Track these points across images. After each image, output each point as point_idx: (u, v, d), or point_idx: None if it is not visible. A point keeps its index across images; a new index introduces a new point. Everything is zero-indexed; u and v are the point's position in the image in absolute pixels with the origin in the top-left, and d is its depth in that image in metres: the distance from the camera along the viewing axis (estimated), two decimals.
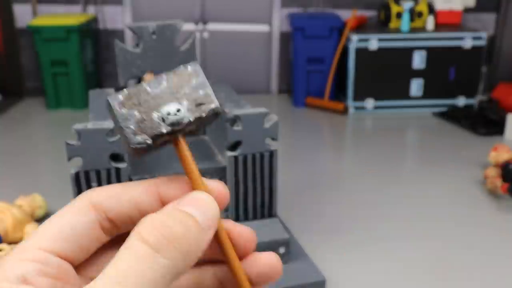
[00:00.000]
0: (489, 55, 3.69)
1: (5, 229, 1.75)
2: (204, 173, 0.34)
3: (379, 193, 2.21)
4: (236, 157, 1.61)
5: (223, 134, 1.64)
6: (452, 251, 1.79)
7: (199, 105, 0.31)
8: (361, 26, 3.40)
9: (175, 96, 0.31)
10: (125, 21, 3.55)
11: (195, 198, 0.29)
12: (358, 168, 2.49)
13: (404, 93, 3.33)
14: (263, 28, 3.64)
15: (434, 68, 3.28)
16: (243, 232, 0.32)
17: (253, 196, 1.67)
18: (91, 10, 3.52)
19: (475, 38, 3.24)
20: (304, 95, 3.45)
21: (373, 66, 3.25)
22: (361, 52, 3.22)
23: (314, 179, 2.35)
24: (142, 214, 0.30)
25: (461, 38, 3.24)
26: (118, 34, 3.57)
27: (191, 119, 0.31)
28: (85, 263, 0.31)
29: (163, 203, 0.30)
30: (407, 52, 3.24)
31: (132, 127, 0.30)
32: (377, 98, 3.32)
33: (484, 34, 3.25)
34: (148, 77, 0.35)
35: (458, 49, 3.26)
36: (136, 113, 0.30)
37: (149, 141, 0.30)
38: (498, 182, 2.11)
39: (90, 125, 1.44)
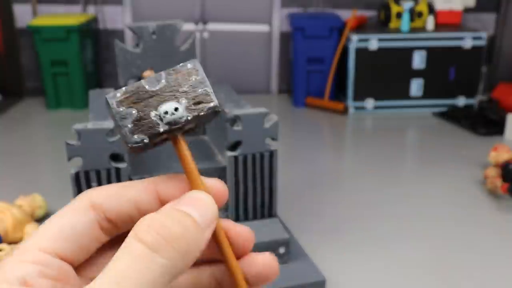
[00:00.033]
0: (489, 55, 3.69)
1: (5, 229, 1.75)
2: (204, 173, 0.34)
3: (379, 193, 2.21)
4: (236, 157, 1.61)
5: (223, 134, 1.64)
6: (452, 251, 1.79)
7: (197, 103, 0.31)
8: (361, 26, 3.40)
9: (174, 95, 0.30)
10: (125, 21, 3.55)
11: (194, 198, 0.29)
12: (358, 168, 2.49)
13: (404, 93, 3.33)
14: (263, 28, 3.64)
15: (434, 68, 3.28)
16: (241, 231, 0.32)
17: (253, 196, 1.67)
18: (91, 10, 3.52)
19: (475, 38, 3.24)
20: (304, 95, 3.45)
21: (373, 66, 3.25)
22: (361, 52, 3.22)
23: (314, 179, 2.35)
24: (142, 213, 0.30)
25: (461, 38, 3.24)
26: (118, 34, 3.57)
27: (189, 118, 0.30)
28: (85, 263, 0.31)
29: (162, 202, 0.30)
30: (407, 52, 3.24)
31: (129, 126, 0.30)
32: (377, 98, 3.32)
33: (484, 34, 3.25)
34: (147, 73, 0.34)
35: (458, 49, 3.26)
36: (133, 111, 0.30)
37: (146, 140, 0.30)
38: (498, 182, 2.11)
39: (90, 125, 1.44)
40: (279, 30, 3.63)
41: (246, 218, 1.69)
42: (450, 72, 3.30)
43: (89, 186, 1.48)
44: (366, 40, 3.20)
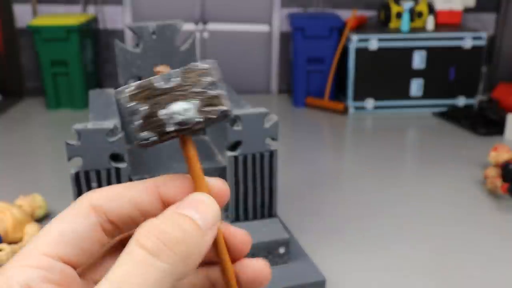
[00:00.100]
0: (489, 55, 3.69)
1: (5, 229, 1.75)
2: (205, 173, 0.34)
3: (379, 193, 2.21)
4: (236, 157, 1.61)
5: (223, 134, 1.64)
6: (452, 251, 1.79)
7: (209, 105, 0.30)
8: (361, 26, 3.40)
9: (185, 94, 0.30)
10: (125, 21, 3.55)
11: (196, 200, 0.29)
12: (358, 168, 2.49)
13: (404, 93, 3.33)
14: (263, 28, 3.64)
15: (434, 68, 3.28)
16: (238, 234, 0.32)
17: (253, 196, 1.67)
18: (91, 10, 3.52)
19: (475, 38, 3.24)
20: (304, 95, 3.45)
21: (373, 66, 3.25)
22: (361, 52, 3.22)
23: (314, 179, 2.35)
24: (143, 214, 0.30)
25: (461, 38, 3.24)
26: (118, 34, 3.57)
27: (200, 120, 0.30)
28: (89, 266, 0.31)
29: (163, 203, 0.30)
30: (407, 52, 3.25)
31: (137, 122, 0.29)
32: (377, 98, 3.32)
33: (484, 34, 3.25)
34: (161, 68, 0.33)
35: (458, 49, 3.26)
36: (143, 108, 0.29)
37: (154, 138, 0.30)
38: (498, 182, 2.11)
39: (90, 125, 1.44)
40: (279, 30, 3.63)
41: (246, 218, 1.69)
42: (450, 72, 3.30)
43: (89, 186, 1.48)
44: (366, 40, 3.20)
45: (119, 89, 0.30)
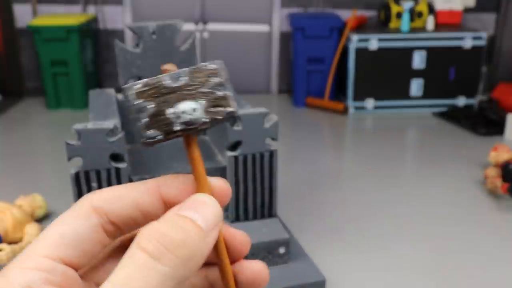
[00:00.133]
0: (489, 55, 3.69)
1: (5, 229, 1.75)
2: (206, 173, 0.34)
3: (379, 193, 2.21)
4: (236, 157, 1.61)
5: (223, 134, 1.64)
6: (452, 251, 1.79)
7: (216, 106, 0.30)
8: (361, 26, 3.40)
9: (193, 94, 0.30)
10: (125, 21, 3.55)
11: (197, 201, 0.29)
12: (358, 168, 2.49)
13: (404, 93, 3.33)
14: (263, 28, 3.64)
15: (434, 68, 3.28)
16: (237, 235, 0.32)
17: (253, 196, 1.67)
18: (91, 10, 3.52)
19: (475, 38, 3.24)
20: (304, 95, 3.45)
21: (373, 66, 3.25)
22: (361, 52, 3.22)
23: (314, 179, 2.35)
24: (145, 215, 0.30)
25: (461, 38, 3.24)
26: (118, 34, 3.57)
27: (206, 121, 0.30)
28: (90, 268, 0.31)
29: (165, 203, 0.30)
30: (407, 52, 3.25)
31: (144, 120, 0.29)
32: (377, 98, 3.32)
33: (484, 34, 3.25)
34: (168, 67, 0.33)
35: (458, 49, 3.26)
36: (151, 105, 0.29)
37: (160, 137, 0.30)
38: (498, 182, 2.11)
39: (90, 125, 1.44)
40: (279, 30, 3.63)
41: (246, 218, 1.69)
42: (450, 72, 3.30)
43: (89, 186, 1.48)
44: (366, 40, 3.20)
45: (128, 85, 0.30)
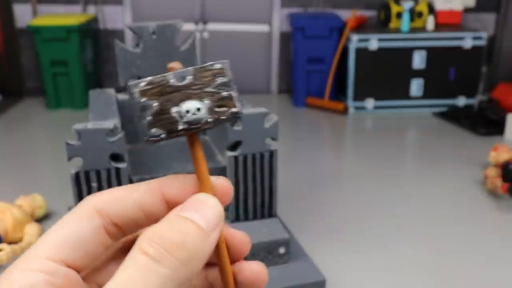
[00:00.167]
0: (489, 55, 3.69)
1: (5, 229, 1.75)
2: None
3: (379, 193, 2.21)
4: (236, 157, 1.61)
5: (223, 134, 1.64)
6: (452, 251, 1.79)
7: (220, 106, 0.30)
8: (361, 26, 3.40)
9: (198, 93, 0.30)
10: (125, 21, 3.55)
11: (198, 201, 0.29)
12: (358, 168, 2.49)
13: (404, 93, 3.33)
14: (263, 28, 3.64)
15: (434, 68, 3.28)
16: (237, 235, 0.32)
17: (253, 196, 1.67)
18: (91, 10, 3.52)
19: (475, 38, 3.24)
20: (304, 95, 3.45)
21: (373, 66, 3.25)
22: (361, 52, 3.22)
23: (314, 179, 2.35)
24: (147, 215, 0.30)
25: (461, 38, 3.24)
26: (118, 34, 3.57)
27: (210, 120, 0.30)
28: (93, 270, 0.31)
29: (167, 203, 0.30)
30: (407, 52, 3.25)
31: (148, 118, 0.29)
32: (377, 98, 3.32)
33: (484, 34, 3.25)
34: (174, 65, 0.33)
35: (458, 49, 3.26)
36: (155, 104, 0.29)
37: (163, 136, 0.30)
38: (498, 182, 2.11)
39: (90, 125, 1.44)
40: (279, 30, 3.63)
41: (246, 218, 1.69)
42: (450, 72, 3.30)
43: (89, 186, 1.48)
44: (366, 40, 3.20)
45: (133, 82, 0.29)
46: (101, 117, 1.53)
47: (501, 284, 1.62)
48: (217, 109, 0.30)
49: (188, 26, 3.54)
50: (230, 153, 1.61)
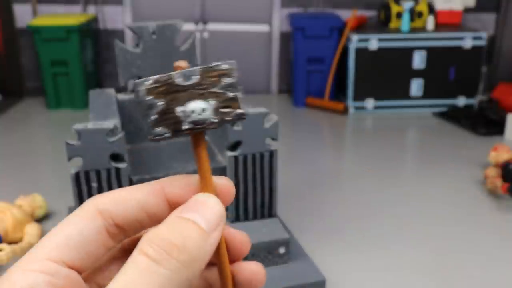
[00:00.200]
0: (489, 55, 3.69)
1: (5, 229, 1.75)
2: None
3: (379, 193, 2.21)
4: (236, 157, 1.61)
5: (223, 134, 1.64)
6: (452, 251, 1.79)
7: (226, 107, 0.30)
8: (361, 26, 3.40)
9: (204, 94, 0.30)
10: (125, 21, 3.55)
11: (199, 202, 0.29)
12: (358, 168, 2.49)
13: (404, 93, 3.33)
14: (263, 28, 3.64)
15: (434, 68, 3.28)
16: (237, 235, 0.32)
17: (253, 196, 1.67)
18: (91, 10, 3.52)
19: (475, 38, 3.24)
20: (304, 95, 3.45)
21: (373, 66, 3.25)
22: (361, 52, 3.22)
23: (314, 179, 2.35)
24: (150, 216, 0.30)
25: (461, 38, 3.24)
26: (118, 34, 3.57)
27: (215, 121, 0.30)
28: (94, 271, 0.31)
29: (169, 203, 0.30)
30: (407, 52, 3.25)
31: (153, 117, 0.29)
32: (377, 98, 3.32)
33: (484, 34, 3.25)
34: (181, 63, 0.33)
35: (458, 49, 3.26)
36: (160, 103, 0.29)
37: (168, 135, 0.30)
38: (498, 182, 2.11)
39: (90, 125, 1.44)
40: (279, 30, 3.63)
41: (246, 218, 1.69)
42: (450, 72, 3.30)
43: (89, 186, 1.48)
44: (366, 40, 3.20)
45: (139, 80, 0.29)
46: (101, 117, 1.53)
47: (501, 284, 1.62)
48: (222, 110, 0.30)
49: (188, 26, 3.54)
50: (230, 153, 1.61)
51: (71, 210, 1.95)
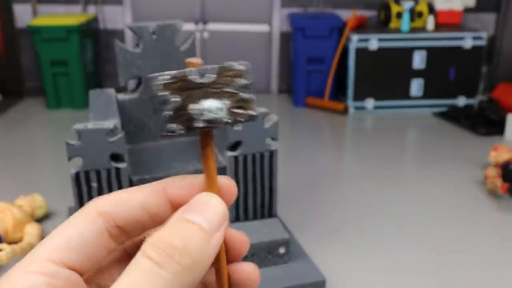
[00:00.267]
0: (489, 55, 3.69)
1: (5, 229, 1.75)
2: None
3: (379, 193, 2.21)
4: (236, 157, 1.61)
5: (223, 134, 1.64)
6: (452, 251, 1.79)
7: (239, 108, 0.30)
8: (361, 26, 3.40)
9: (218, 93, 0.30)
10: (125, 21, 3.55)
11: (201, 202, 0.29)
12: (358, 168, 2.49)
13: (404, 93, 3.33)
14: (263, 28, 3.64)
15: (434, 68, 3.28)
16: (237, 235, 0.32)
17: (253, 196, 1.67)
18: (91, 10, 3.52)
19: (475, 38, 3.24)
20: (304, 95, 3.45)
21: (373, 66, 3.25)
22: (361, 52, 3.22)
23: (314, 179, 2.35)
24: (152, 217, 0.30)
25: (461, 38, 3.24)
26: (118, 34, 3.57)
27: (229, 121, 0.30)
28: (95, 273, 0.31)
29: (172, 204, 0.30)
30: (407, 52, 3.24)
31: (168, 113, 0.29)
32: (377, 98, 3.32)
33: (484, 34, 3.25)
34: (194, 60, 0.32)
35: (458, 49, 3.26)
36: (176, 99, 0.29)
37: (182, 132, 0.29)
38: (498, 182, 2.11)
39: (90, 125, 1.44)
40: (279, 30, 3.63)
41: (246, 218, 1.69)
42: (450, 72, 3.30)
43: (89, 186, 1.48)
44: (366, 40, 3.20)
45: (153, 75, 0.29)
46: (101, 117, 1.53)
47: (501, 284, 1.62)
48: (235, 110, 0.30)
49: (188, 26, 3.54)
50: (230, 153, 1.61)
51: (71, 210, 1.95)
